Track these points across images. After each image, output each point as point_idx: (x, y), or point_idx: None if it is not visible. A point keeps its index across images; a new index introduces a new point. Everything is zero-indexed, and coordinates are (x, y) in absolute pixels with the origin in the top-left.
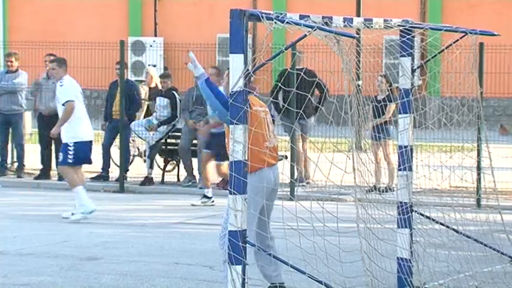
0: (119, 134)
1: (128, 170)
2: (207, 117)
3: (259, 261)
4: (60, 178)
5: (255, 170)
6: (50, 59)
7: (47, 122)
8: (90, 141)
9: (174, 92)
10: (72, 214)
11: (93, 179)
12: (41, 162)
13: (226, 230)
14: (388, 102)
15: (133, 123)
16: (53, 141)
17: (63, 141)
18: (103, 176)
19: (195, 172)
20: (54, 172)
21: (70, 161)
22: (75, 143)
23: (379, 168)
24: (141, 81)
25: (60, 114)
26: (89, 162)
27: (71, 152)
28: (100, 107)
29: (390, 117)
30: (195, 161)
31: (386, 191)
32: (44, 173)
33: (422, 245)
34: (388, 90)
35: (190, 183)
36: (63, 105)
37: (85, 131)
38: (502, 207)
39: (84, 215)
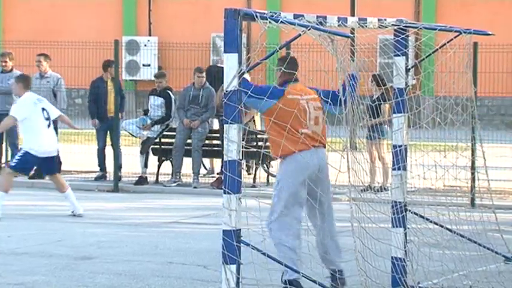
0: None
1: (121, 167)
2: (202, 117)
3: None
4: None
5: (285, 155)
6: (39, 59)
7: None
8: (40, 157)
9: (169, 92)
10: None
11: (96, 179)
12: None
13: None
14: (382, 102)
15: (124, 121)
16: None
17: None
18: (104, 176)
19: (189, 171)
20: None
21: (12, 164)
22: (25, 152)
23: (373, 167)
24: (135, 81)
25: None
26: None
27: (18, 157)
28: None
29: (384, 116)
30: (189, 160)
31: (381, 191)
32: (38, 173)
33: (416, 245)
34: (379, 90)
35: (174, 184)
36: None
37: (37, 145)
38: (496, 207)
39: None
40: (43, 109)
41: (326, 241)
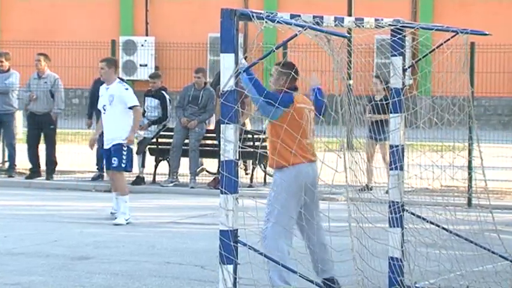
0: None
1: None
2: (200, 118)
3: (311, 256)
4: (49, 178)
5: (285, 165)
6: (39, 58)
7: (38, 121)
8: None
9: (164, 92)
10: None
11: (93, 179)
12: (29, 161)
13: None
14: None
15: None
16: (41, 141)
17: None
18: (101, 176)
19: (186, 171)
20: (42, 172)
21: (123, 165)
22: (128, 147)
23: (370, 167)
24: (132, 81)
25: (106, 117)
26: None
27: (125, 157)
28: None
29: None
30: (186, 160)
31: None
32: (34, 173)
33: (413, 245)
34: (384, 90)
35: (171, 184)
36: (130, 108)
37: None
38: (493, 207)
39: (128, 222)
40: None
41: (320, 253)
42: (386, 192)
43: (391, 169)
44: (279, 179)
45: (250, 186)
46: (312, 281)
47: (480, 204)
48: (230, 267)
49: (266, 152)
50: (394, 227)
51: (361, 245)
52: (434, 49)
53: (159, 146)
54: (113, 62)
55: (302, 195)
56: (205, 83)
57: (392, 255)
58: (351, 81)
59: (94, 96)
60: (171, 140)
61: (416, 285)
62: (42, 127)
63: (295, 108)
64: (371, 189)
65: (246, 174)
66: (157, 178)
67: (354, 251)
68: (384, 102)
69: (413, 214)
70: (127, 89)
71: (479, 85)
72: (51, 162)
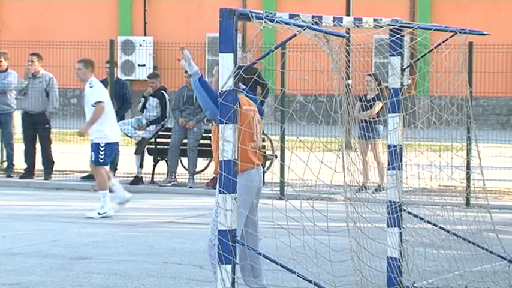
0: None
1: (116, 169)
2: (197, 118)
3: (245, 262)
4: (47, 177)
5: (242, 170)
6: (32, 58)
7: (32, 121)
8: (116, 143)
9: (163, 92)
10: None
11: (83, 178)
12: (24, 161)
13: (216, 232)
14: (376, 101)
15: (120, 122)
16: (37, 141)
17: (94, 141)
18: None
19: (185, 171)
20: (40, 172)
21: (101, 161)
22: (105, 144)
23: (366, 167)
24: (131, 81)
25: (88, 115)
26: (106, 164)
27: (101, 152)
28: None
29: (379, 116)
30: (184, 160)
31: (379, 191)
32: (29, 172)
33: (411, 244)
34: (377, 90)
35: (170, 184)
36: (93, 106)
37: (112, 132)
38: (491, 206)
39: (101, 216)
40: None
41: (255, 260)
42: (375, 190)
43: (389, 169)
44: None
45: None
46: (310, 281)
47: (478, 204)
48: (229, 267)
49: (264, 152)
50: (392, 226)
51: (359, 245)
52: (432, 49)
53: (158, 146)
54: (87, 62)
55: (252, 199)
56: None
57: (390, 255)
58: (350, 81)
59: None
60: (169, 140)
61: (415, 285)
62: (37, 126)
63: (242, 112)
64: (368, 189)
65: None
66: (156, 178)
67: (352, 250)
68: (372, 103)
69: (412, 214)
70: (91, 86)
71: (477, 85)
72: (48, 161)
